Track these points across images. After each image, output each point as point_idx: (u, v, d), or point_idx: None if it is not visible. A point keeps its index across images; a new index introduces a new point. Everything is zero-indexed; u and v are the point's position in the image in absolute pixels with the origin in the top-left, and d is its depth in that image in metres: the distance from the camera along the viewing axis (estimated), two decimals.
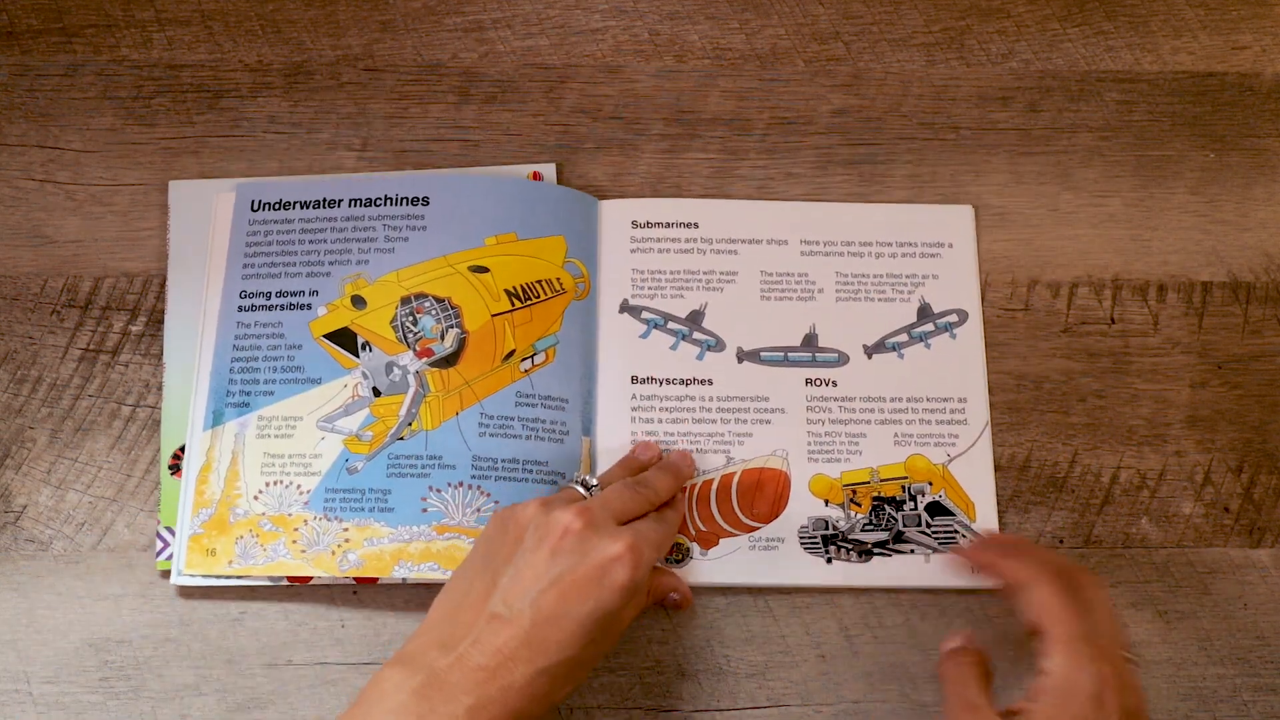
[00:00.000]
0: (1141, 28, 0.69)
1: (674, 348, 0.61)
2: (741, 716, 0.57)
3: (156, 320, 0.61)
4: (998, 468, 0.61)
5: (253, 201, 0.62)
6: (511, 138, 0.65)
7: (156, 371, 0.60)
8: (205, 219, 0.62)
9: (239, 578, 0.56)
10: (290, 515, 0.57)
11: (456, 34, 0.67)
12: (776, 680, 0.58)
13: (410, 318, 0.60)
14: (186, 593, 0.57)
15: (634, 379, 0.61)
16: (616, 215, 0.63)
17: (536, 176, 0.64)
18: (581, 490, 0.54)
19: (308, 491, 0.57)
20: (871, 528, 0.59)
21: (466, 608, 0.48)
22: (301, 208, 0.62)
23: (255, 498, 0.57)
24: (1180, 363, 0.63)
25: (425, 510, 0.57)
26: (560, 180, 0.64)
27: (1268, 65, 0.68)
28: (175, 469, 0.59)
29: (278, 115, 0.65)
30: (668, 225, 0.63)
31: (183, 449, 0.59)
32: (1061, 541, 0.60)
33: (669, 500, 0.56)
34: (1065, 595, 0.48)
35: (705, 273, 0.63)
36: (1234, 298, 0.64)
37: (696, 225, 0.63)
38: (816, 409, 0.61)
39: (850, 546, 0.59)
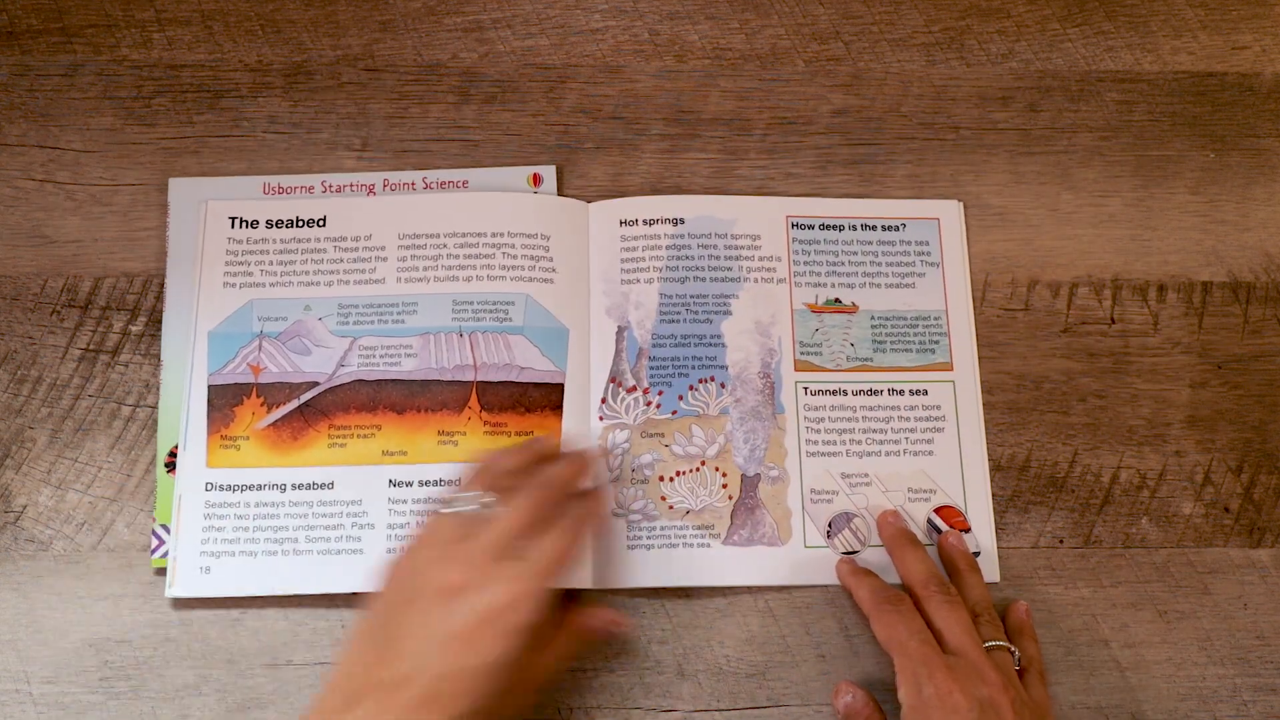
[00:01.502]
0: (1141, 28, 0.69)
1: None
2: (742, 716, 0.57)
3: (156, 320, 0.61)
4: (998, 468, 0.61)
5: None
6: (511, 138, 0.65)
7: (156, 371, 0.60)
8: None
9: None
10: None
11: (456, 34, 0.67)
12: (776, 680, 0.58)
13: None
14: (183, 599, 0.57)
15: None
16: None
17: (536, 179, 0.64)
18: (474, 509, 0.50)
19: None
20: None
21: (364, 669, 0.47)
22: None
23: None
24: (1180, 363, 0.63)
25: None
26: (560, 181, 0.64)
27: (1268, 65, 0.68)
28: (171, 467, 0.59)
29: (278, 115, 0.65)
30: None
31: (178, 447, 0.59)
32: (1061, 541, 0.60)
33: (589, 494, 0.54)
34: (893, 624, 0.52)
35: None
36: (1234, 298, 0.64)
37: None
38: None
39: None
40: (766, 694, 0.57)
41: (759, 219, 0.64)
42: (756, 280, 0.63)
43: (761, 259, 0.63)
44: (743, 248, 0.63)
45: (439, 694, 0.45)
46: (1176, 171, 0.66)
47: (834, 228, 0.64)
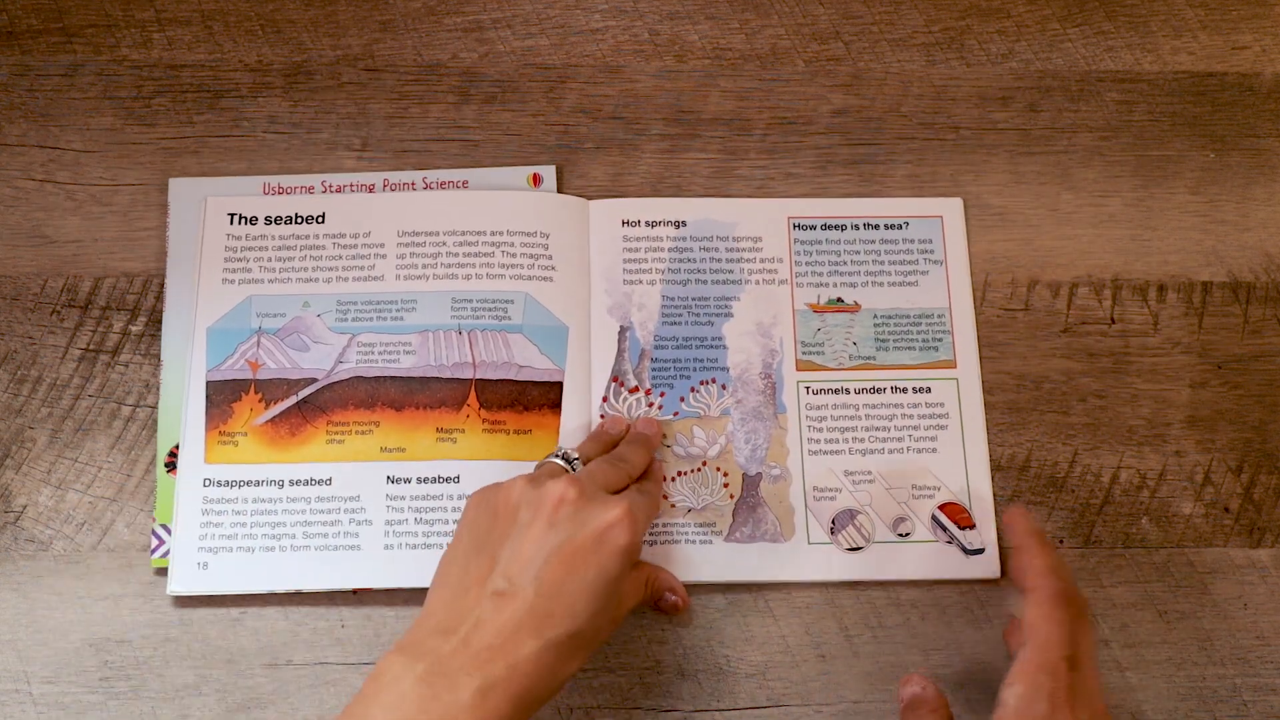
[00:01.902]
0: (1141, 28, 0.69)
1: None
2: (741, 716, 0.57)
3: (156, 320, 0.61)
4: (998, 468, 0.61)
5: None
6: (511, 138, 0.65)
7: (156, 371, 0.60)
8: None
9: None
10: None
11: (456, 34, 0.67)
12: (776, 680, 0.58)
13: None
14: (184, 598, 0.57)
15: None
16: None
17: (536, 179, 0.64)
18: (563, 463, 0.54)
19: None
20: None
21: (466, 590, 0.47)
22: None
23: None
24: (1180, 363, 0.63)
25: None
26: (560, 181, 0.64)
27: (1268, 65, 0.68)
28: (171, 467, 0.59)
29: (278, 115, 0.65)
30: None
31: (178, 446, 0.59)
32: (1062, 541, 0.60)
33: (646, 473, 0.57)
34: (1053, 623, 0.47)
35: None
36: (1234, 298, 0.64)
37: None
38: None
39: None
40: (766, 694, 0.57)
41: (760, 220, 0.64)
42: (758, 282, 0.63)
43: (763, 261, 0.63)
44: (744, 250, 0.63)
45: (547, 611, 0.46)
46: (1176, 171, 0.66)
47: (836, 227, 0.64)
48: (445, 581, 0.49)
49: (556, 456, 0.54)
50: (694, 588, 0.58)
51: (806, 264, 0.63)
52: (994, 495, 0.60)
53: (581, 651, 0.48)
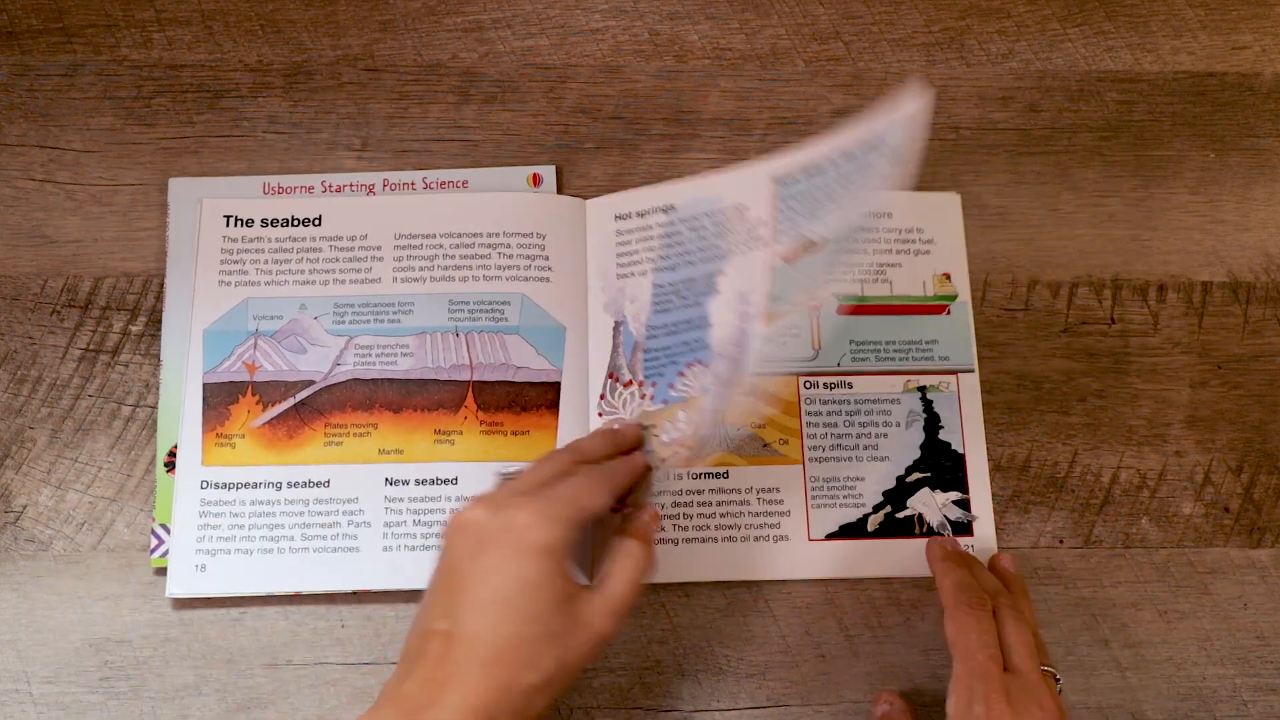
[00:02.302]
0: (1141, 28, 0.69)
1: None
2: (741, 716, 0.57)
3: (156, 320, 0.61)
4: (998, 468, 0.61)
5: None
6: (511, 138, 0.65)
7: (156, 371, 0.60)
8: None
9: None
10: None
11: (456, 34, 0.67)
12: (776, 680, 0.58)
13: None
14: (183, 600, 0.57)
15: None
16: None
17: (536, 179, 0.64)
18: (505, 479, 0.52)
19: None
20: None
21: (418, 629, 0.47)
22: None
23: None
24: (1180, 363, 0.63)
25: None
26: (560, 181, 0.64)
27: (1268, 65, 0.68)
28: (171, 467, 0.59)
29: (278, 115, 0.65)
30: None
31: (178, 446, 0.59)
32: (1062, 541, 0.60)
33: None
34: (969, 633, 0.50)
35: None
36: (1234, 298, 0.64)
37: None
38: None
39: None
40: (766, 694, 0.57)
41: (746, 186, 0.61)
42: (743, 251, 0.61)
43: (748, 226, 0.62)
44: (730, 220, 0.61)
45: (474, 633, 0.44)
46: (1176, 171, 0.66)
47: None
48: (413, 622, 0.48)
49: (502, 475, 0.52)
50: (691, 588, 0.58)
51: (788, 216, 0.61)
52: (994, 495, 0.60)
53: (535, 663, 0.45)
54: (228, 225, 0.62)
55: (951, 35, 0.68)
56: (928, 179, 0.65)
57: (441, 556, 0.48)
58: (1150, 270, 0.65)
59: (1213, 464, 0.62)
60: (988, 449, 0.61)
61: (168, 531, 0.58)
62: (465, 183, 0.63)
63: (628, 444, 0.54)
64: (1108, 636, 0.59)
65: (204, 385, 0.59)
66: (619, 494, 0.51)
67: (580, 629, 0.46)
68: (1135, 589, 0.60)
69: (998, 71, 0.67)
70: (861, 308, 0.63)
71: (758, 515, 0.59)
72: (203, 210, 0.62)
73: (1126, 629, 0.59)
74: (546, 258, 0.62)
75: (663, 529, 0.59)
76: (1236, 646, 0.59)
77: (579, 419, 0.60)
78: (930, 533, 0.59)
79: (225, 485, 0.58)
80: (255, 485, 0.58)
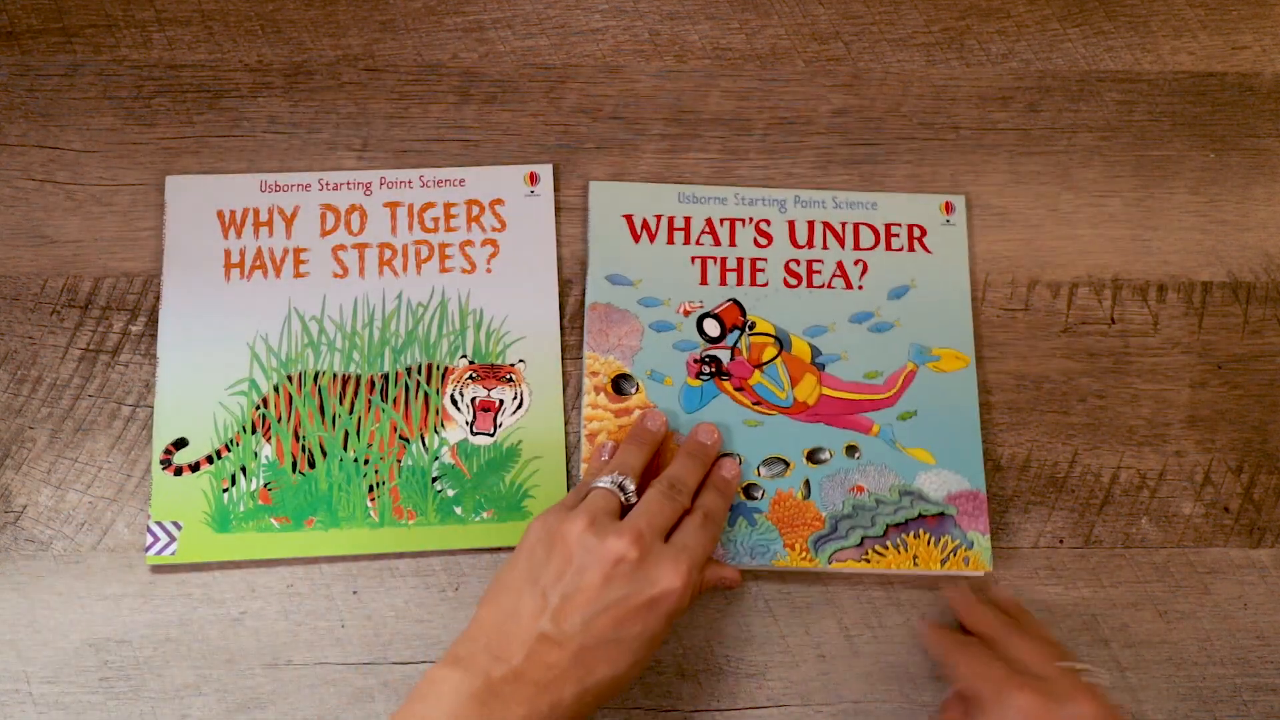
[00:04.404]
0: (1141, 28, 0.69)
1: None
2: (741, 716, 0.57)
3: (156, 320, 0.61)
4: (998, 468, 0.61)
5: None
6: (511, 138, 0.65)
7: (155, 371, 0.60)
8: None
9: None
10: None
11: (456, 34, 0.67)
12: (776, 680, 0.58)
13: None
14: (185, 590, 0.57)
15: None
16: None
17: (533, 178, 0.64)
18: (615, 491, 0.53)
19: None
20: None
21: (517, 622, 0.49)
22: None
23: None
24: (1180, 363, 0.63)
25: None
26: (558, 180, 0.64)
27: (1268, 65, 0.68)
28: (166, 464, 0.59)
29: (278, 115, 0.65)
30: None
31: (175, 444, 0.59)
32: (1062, 541, 0.60)
33: (705, 485, 0.56)
34: (973, 656, 0.52)
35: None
36: (1234, 298, 0.64)
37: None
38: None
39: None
40: (766, 694, 0.57)
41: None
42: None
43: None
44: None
45: (591, 662, 0.48)
46: (1176, 171, 0.66)
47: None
48: (497, 604, 0.50)
49: (608, 482, 0.54)
50: None
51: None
52: (994, 495, 0.60)
53: (617, 691, 0.50)
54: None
55: (951, 35, 0.68)
56: (927, 179, 0.65)
57: (557, 555, 0.50)
58: (1150, 270, 0.65)
59: (1213, 464, 0.62)
60: (986, 449, 0.61)
61: (164, 529, 0.58)
62: (463, 181, 0.63)
63: (714, 455, 0.58)
64: (1108, 636, 0.59)
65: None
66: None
67: (658, 644, 0.51)
68: (1135, 589, 0.60)
69: (998, 71, 0.67)
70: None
71: None
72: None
73: (1126, 629, 0.59)
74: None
75: None
76: (1236, 646, 0.59)
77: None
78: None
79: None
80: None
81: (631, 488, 0.54)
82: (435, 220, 0.63)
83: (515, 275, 0.62)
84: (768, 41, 0.67)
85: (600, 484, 0.53)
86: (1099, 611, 0.59)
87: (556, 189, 0.64)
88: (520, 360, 0.61)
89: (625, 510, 0.53)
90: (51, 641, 0.57)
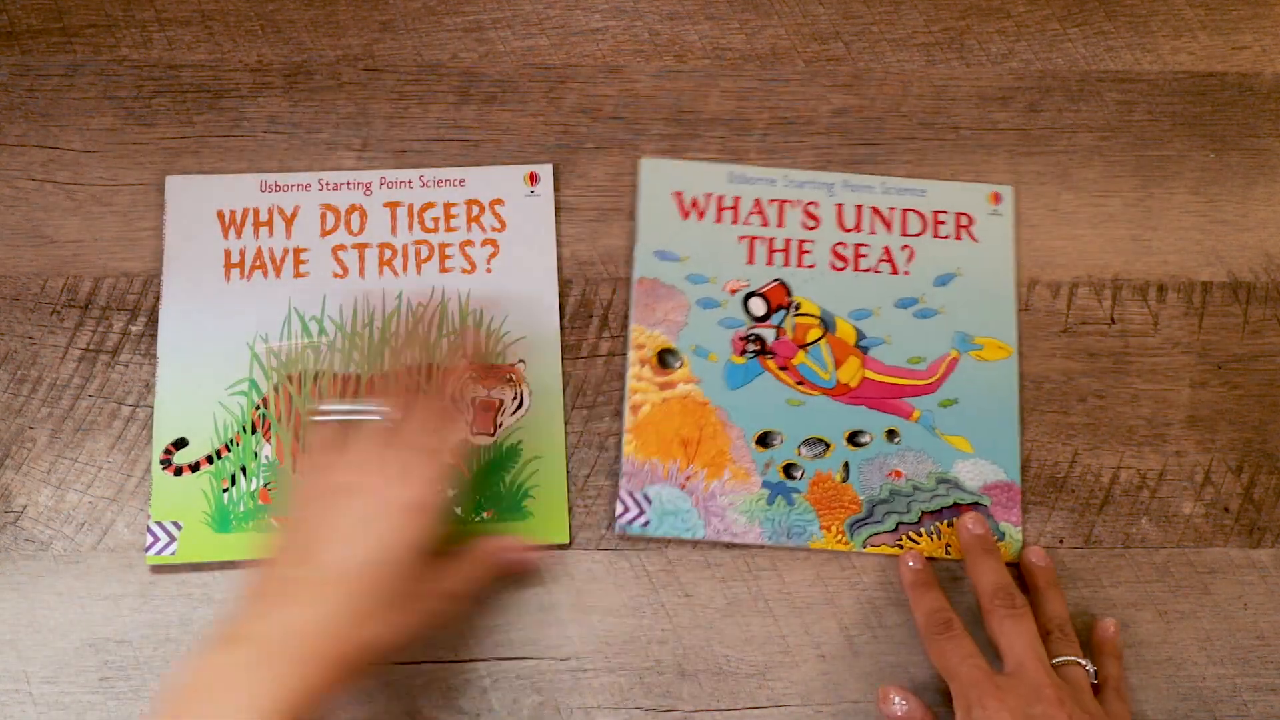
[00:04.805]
0: (1141, 28, 0.69)
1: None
2: (742, 716, 0.57)
3: (156, 320, 0.61)
4: None
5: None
6: (511, 138, 0.65)
7: (156, 371, 0.60)
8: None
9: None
10: None
11: (456, 34, 0.67)
12: (776, 680, 0.58)
13: None
14: (185, 590, 0.57)
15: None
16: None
17: (533, 178, 0.64)
18: (376, 417, 0.54)
19: None
20: None
21: (279, 572, 0.49)
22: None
23: None
24: (1180, 363, 0.63)
25: None
26: (557, 180, 0.64)
27: (1268, 65, 0.68)
28: (166, 464, 0.59)
29: (278, 115, 0.65)
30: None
31: (175, 444, 0.59)
32: (1062, 541, 0.60)
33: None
34: (945, 653, 0.52)
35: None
36: (1234, 298, 0.64)
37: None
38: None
39: None
40: (766, 694, 0.57)
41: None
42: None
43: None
44: None
45: (351, 588, 0.48)
46: (1176, 171, 0.66)
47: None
48: (266, 563, 0.50)
49: (369, 410, 0.54)
50: (691, 589, 0.58)
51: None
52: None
53: (398, 619, 0.50)
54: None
55: (951, 35, 0.68)
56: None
57: (310, 493, 0.51)
58: (1150, 270, 0.65)
59: (1213, 464, 0.62)
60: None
61: (164, 529, 0.58)
62: (462, 181, 0.64)
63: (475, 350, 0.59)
64: None
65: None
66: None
67: (427, 598, 0.52)
68: (1135, 589, 0.60)
69: (998, 71, 0.67)
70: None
71: None
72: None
73: (1126, 629, 0.59)
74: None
75: None
76: (1236, 646, 0.59)
77: None
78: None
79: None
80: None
81: (386, 409, 0.54)
82: (435, 220, 0.63)
83: (515, 275, 0.62)
84: (768, 41, 0.67)
85: (364, 409, 0.55)
86: (1099, 611, 0.59)
87: (556, 189, 0.64)
88: (520, 360, 0.61)
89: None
90: (51, 641, 0.57)
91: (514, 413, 0.60)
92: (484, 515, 0.59)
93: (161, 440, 0.59)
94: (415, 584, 0.50)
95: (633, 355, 0.61)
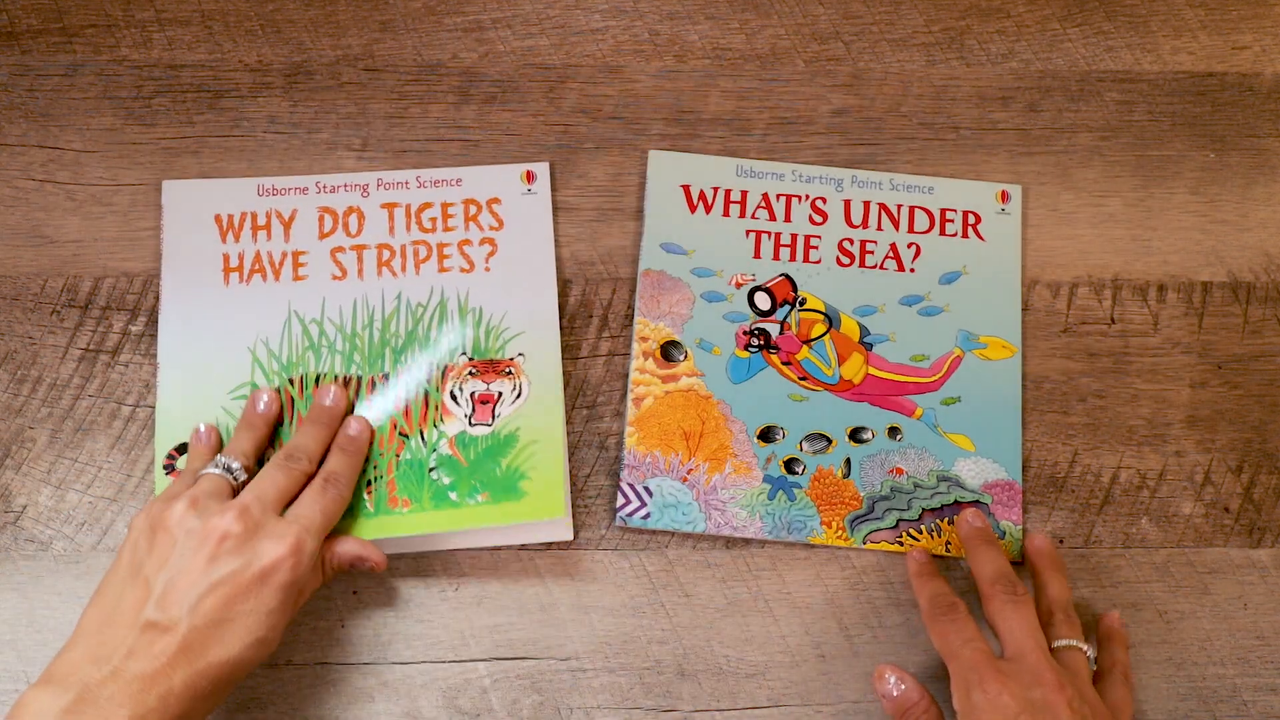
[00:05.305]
0: (1141, 28, 0.69)
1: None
2: (741, 716, 0.57)
3: (156, 320, 0.61)
4: None
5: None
6: (511, 138, 0.65)
7: (156, 372, 0.60)
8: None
9: None
10: None
11: (456, 34, 0.67)
12: (776, 680, 0.58)
13: None
14: None
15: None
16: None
17: (530, 176, 0.64)
18: (226, 476, 0.53)
19: None
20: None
21: (120, 616, 0.48)
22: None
23: None
24: (1180, 363, 0.63)
25: None
26: (555, 179, 0.64)
27: (1268, 65, 0.68)
28: (170, 469, 0.59)
29: (278, 115, 0.65)
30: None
31: (177, 449, 0.59)
32: (1062, 541, 0.60)
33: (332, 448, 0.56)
34: (947, 635, 0.52)
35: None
36: (1234, 298, 0.64)
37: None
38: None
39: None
40: (766, 694, 0.57)
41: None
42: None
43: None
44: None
45: (202, 644, 0.47)
46: (1176, 171, 0.66)
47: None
48: (99, 605, 0.49)
49: (217, 467, 0.54)
50: (692, 590, 0.58)
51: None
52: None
53: (239, 673, 0.49)
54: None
55: (951, 35, 0.68)
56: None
57: (160, 543, 0.49)
58: (1150, 270, 0.65)
59: (1213, 464, 0.62)
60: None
61: None
62: (460, 180, 0.64)
63: (339, 417, 0.58)
64: None
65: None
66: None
67: (286, 619, 0.50)
68: (1135, 589, 0.60)
69: (998, 71, 0.67)
70: None
71: None
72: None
73: (1126, 629, 0.59)
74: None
75: None
76: (1236, 646, 0.59)
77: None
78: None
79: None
80: None
81: (238, 465, 0.54)
82: (433, 220, 0.63)
83: (514, 273, 0.62)
84: (768, 41, 0.67)
85: (207, 470, 0.53)
86: (1099, 611, 0.59)
87: (554, 188, 0.64)
88: (520, 354, 0.61)
89: (239, 492, 0.53)
90: (51, 641, 0.57)
91: (512, 403, 0.60)
92: (479, 498, 0.59)
93: (164, 445, 0.59)
94: (263, 643, 0.49)
95: (636, 348, 0.61)
